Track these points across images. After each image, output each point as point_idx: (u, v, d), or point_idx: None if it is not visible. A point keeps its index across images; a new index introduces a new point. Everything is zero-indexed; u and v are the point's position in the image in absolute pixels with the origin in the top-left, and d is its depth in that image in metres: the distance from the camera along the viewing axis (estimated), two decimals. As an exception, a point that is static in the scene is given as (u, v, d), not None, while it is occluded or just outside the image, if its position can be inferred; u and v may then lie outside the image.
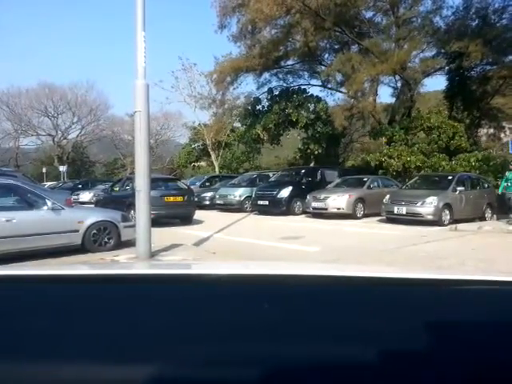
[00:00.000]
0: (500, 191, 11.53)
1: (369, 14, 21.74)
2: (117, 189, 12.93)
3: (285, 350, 0.64)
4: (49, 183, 28.90)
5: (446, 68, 21.03)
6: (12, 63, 70.28)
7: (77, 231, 7.01)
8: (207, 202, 16.90)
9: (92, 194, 20.84)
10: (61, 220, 6.83)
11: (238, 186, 17.02)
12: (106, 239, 7.34)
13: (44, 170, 36.65)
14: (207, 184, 19.48)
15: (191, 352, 0.64)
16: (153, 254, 6.29)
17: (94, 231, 7.19)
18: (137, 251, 6.12)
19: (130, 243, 7.58)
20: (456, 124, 19.07)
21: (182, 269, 1.35)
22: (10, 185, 7.06)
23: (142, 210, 5.98)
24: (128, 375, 0.61)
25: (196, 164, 37.41)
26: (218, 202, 16.36)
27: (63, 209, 6.98)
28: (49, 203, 6.78)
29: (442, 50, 20.52)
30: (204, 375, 0.60)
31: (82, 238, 7.05)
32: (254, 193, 15.46)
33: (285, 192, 14.58)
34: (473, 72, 20.95)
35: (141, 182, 5.91)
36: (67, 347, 0.65)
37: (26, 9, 69.39)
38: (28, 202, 6.84)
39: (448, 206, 11.25)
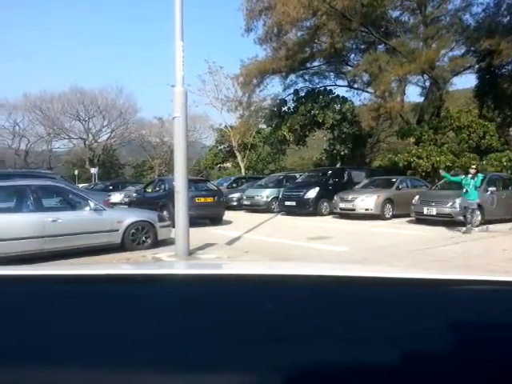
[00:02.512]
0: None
1: (395, 14, 21.64)
2: (149, 190, 13.37)
3: (291, 351, 0.64)
4: (81, 185, 29.81)
5: (476, 66, 20.65)
6: (43, 68, 72.81)
7: (117, 230, 7.37)
8: (234, 203, 17.13)
9: (123, 196, 21.32)
10: (102, 220, 7.21)
11: (265, 186, 17.21)
12: (143, 238, 7.67)
13: (76, 172, 37.87)
14: (234, 185, 19.80)
15: (194, 353, 0.64)
16: (190, 253, 6.57)
17: (133, 230, 7.54)
18: (176, 250, 6.39)
19: (166, 242, 7.93)
20: (486, 123, 18.72)
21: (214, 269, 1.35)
22: (56, 187, 7.49)
23: (180, 210, 6.25)
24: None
25: (222, 165, 37.88)
26: (246, 202, 16.60)
27: (104, 209, 7.37)
28: (91, 204, 7.18)
29: (472, 48, 20.15)
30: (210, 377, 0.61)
31: (121, 237, 7.42)
32: (281, 193, 15.61)
33: (312, 193, 14.68)
34: (504, 70, 20.47)
35: (180, 184, 6.18)
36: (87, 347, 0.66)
37: (51, 13, 71.72)
38: (72, 203, 7.26)
39: (479, 206, 11.11)
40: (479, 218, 11.04)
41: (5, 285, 0.88)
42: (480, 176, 10.14)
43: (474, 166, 10.72)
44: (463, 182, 10.10)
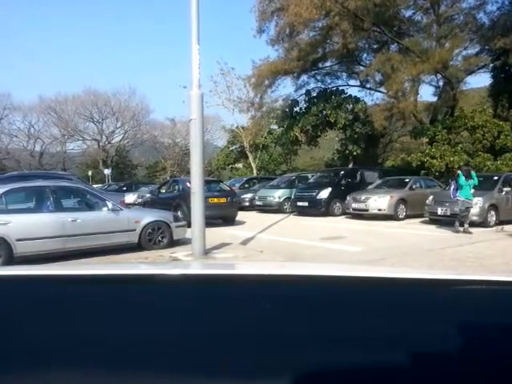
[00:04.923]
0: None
1: (408, 13, 21.49)
2: (163, 190, 13.53)
3: (301, 352, 0.64)
4: (95, 186, 30.13)
5: (491, 65, 20.40)
6: (58, 70, 73.90)
7: (134, 230, 7.52)
8: (247, 204, 17.21)
9: (136, 196, 21.51)
10: (120, 220, 7.36)
11: (278, 187, 17.26)
12: (159, 238, 7.81)
13: (90, 173, 38.32)
14: (246, 186, 19.88)
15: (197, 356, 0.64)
16: (206, 252, 6.67)
17: (150, 230, 7.68)
18: (192, 249, 6.49)
19: (181, 242, 8.06)
20: (501, 123, 18.52)
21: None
22: (75, 187, 7.67)
23: (197, 211, 6.35)
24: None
25: (234, 166, 38.03)
26: (258, 203, 16.68)
27: (122, 209, 7.52)
28: (109, 204, 7.34)
29: (486, 47, 19.94)
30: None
31: (138, 237, 7.56)
32: (293, 194, 15.66)
33: (324, 193, 14.68)
34: (519, 68, 20.21)
35: (196, 185, 6.29)
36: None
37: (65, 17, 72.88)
38: (90, 204, 7.42)
39: (494, 206, 11.03)
40: (494, 218, 10.98)
41: (6, 285, 0.87)
42: (475, 175, 10.11)
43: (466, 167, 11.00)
44: (461, 182, 9.96)
